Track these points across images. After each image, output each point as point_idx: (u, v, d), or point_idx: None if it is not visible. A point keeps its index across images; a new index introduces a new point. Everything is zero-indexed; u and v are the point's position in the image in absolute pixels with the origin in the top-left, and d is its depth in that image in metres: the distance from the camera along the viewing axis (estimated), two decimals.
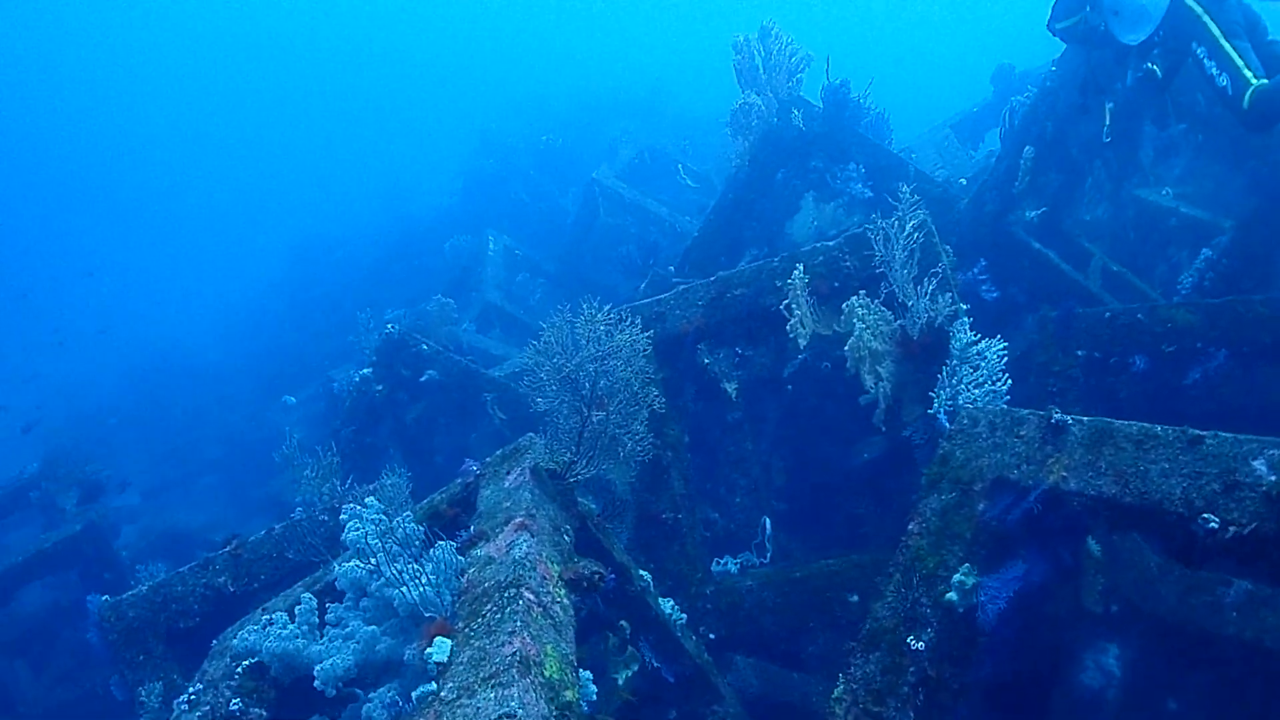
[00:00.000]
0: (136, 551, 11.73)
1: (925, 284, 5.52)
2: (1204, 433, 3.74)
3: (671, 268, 9.04)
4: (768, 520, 6.98)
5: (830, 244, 6.13)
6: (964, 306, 5.71)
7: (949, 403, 5.40)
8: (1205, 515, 3.51)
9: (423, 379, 8.37)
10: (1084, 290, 7.45)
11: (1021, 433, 4.21)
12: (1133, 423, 3.94)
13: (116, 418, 18.91)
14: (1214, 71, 5.88)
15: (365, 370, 8.24)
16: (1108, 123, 6.89)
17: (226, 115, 64.21)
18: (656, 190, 14.07)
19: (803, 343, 5.98)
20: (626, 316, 5.13)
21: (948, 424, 5.21)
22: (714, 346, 6.61)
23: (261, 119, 63.70)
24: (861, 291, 5.81)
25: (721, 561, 6.61)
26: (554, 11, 62.42)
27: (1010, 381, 5.40)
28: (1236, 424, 3.77)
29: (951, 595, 3.92)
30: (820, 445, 7.60)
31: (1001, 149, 7.98)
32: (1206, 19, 5.95)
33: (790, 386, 7.69)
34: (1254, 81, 5.67)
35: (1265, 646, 4.71)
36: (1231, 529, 3.45)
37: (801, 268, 5.98)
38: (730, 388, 7.10)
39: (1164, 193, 8.97)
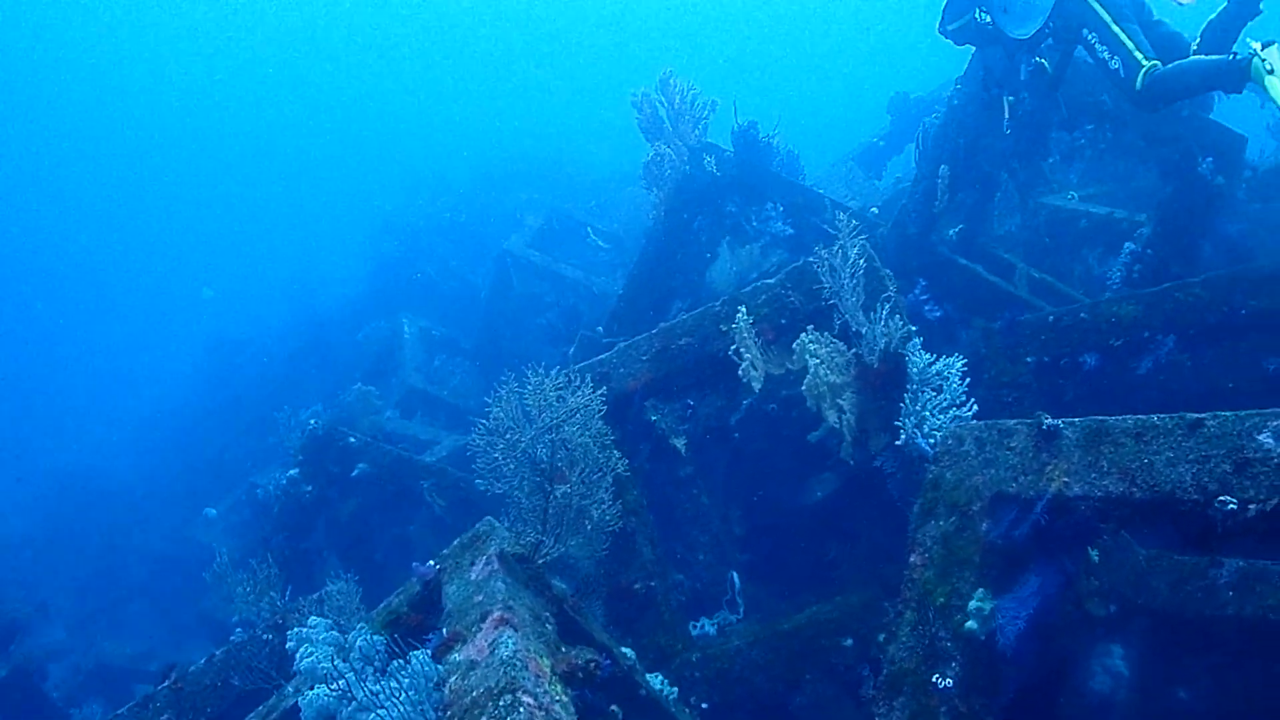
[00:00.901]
0: (69, 691, 10.94)
1: (878, 310, 5.38)
2: (1203, 415, 3.62)
3: (600, 328, 8.82)
4: (734, 575, 6.74)
5: (771, 281, 5.99)
6: (913, 328, 5.60)
7: (915, 428, 5.24)
8: (1222, 498, 3.39)
9: (354, 474, 7.94)
10: (1016, 299, 7.44)
11: (1012, 444, 4.05)
12: (1127, 417, 3.81)
13: (31, 550, 17.82)
14: (1105, 55, 6.02)
15: (292, 471, 7.78)
16: (1007, 116, 6.94)
17: (123, 216, 62.00)
18: (567, 255, 13.92)
19: (757, 386, 5.78)
20: (576, 378, 4.87)
21: (926, 447, 5.06)
22: (664, 400, 6.38)
23: (156, 218, 61.64)
24: (810, 326, 5.65)
25: (698, 624, 6.30)
26: (447, 85, 62.35)
27: (974, 402, 5.26)
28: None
29: (971, 624, 3.70)
30: (772, 489, 7.42)
31: (917, 171, 8.00)
32: (1096, 5, 6.06)
33: (737, 434, 7.51)
34: (1145, 63, 5.83)
35: (1266, 620, 4.59)
36: (1252, 507, 3.34)
37: (744, 310, 5.81)
38: (679, 443, 6.88)
39: (1070, 196, 9.14)
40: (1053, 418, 3.96)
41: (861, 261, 5.43)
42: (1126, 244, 7.11)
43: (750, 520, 7.47)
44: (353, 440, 7.98)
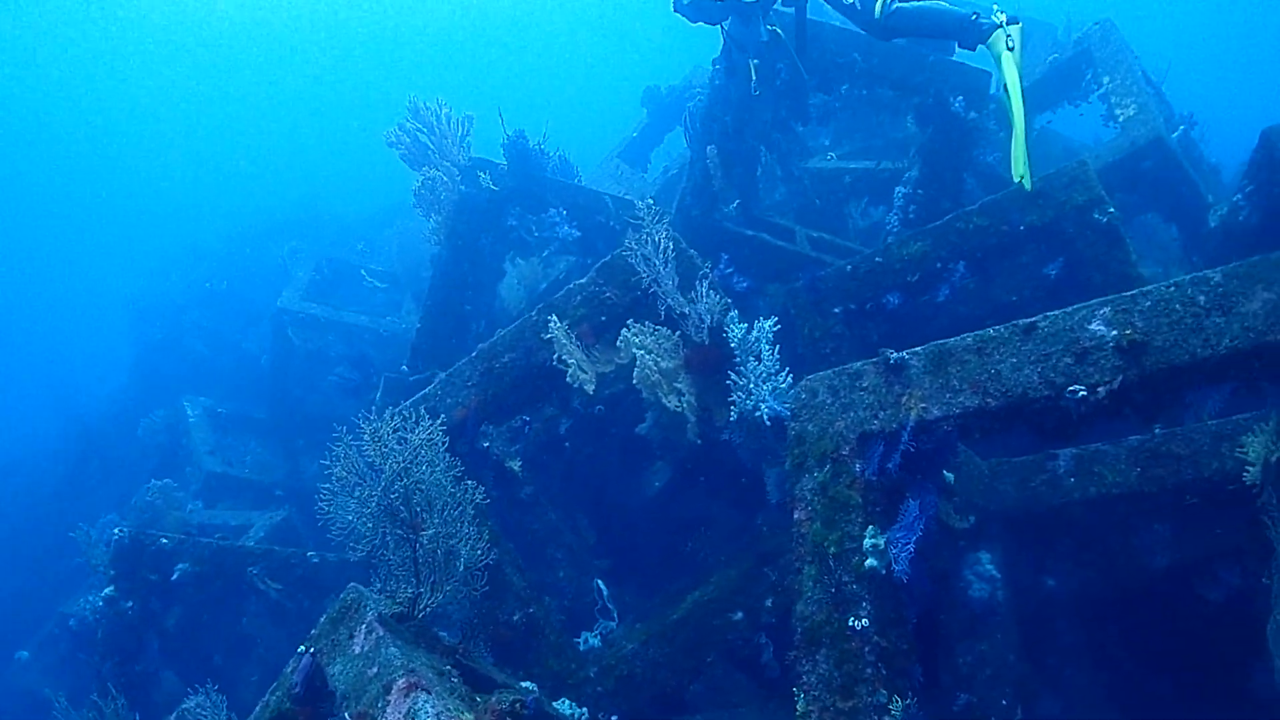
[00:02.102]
0: None
1: (697, 288, 5.42)
2: (1034, 318, 3.85)
3: (404, 367, 8.49)
4: (599, 582, 6.67)
5: (584, 280, 5.92)
6: (729, 300, 5.69)
7: (747, 396, 5.30)
8: (1072, 388, 3.60)
9: (174, 577, 7.24)
10: (806, 258, 7.71)
11: (864, 384, 4.16)
12: (965, 335, 3.99)
13: None
14: None
15: (106, 590, 7.00)
16: (754, 80, 7.10)
17: None
18: (345, 301, 13.35)
19: (590, 388, 5.70)
20: (411, 415, 4.64)
21: (766, 410, 5.14)
22: (498, 422, 6.21)
23: None
24: (630, 320, 5.64)
25: (581, 640, 6.17)
26: (183, 148, 58.08)
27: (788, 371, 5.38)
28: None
29: (871, 562, 3.77)
30: (611, 490, 7.41)
31: (690, 154, 8.15)
32: None
33: (568, 444, 7.44)
34: None
35: (1108, 495, 4.99)
36: (1101, 389, 3.57)
37: (555, 318, 5.72)
38: (515, 464, 6.74)
39: (829, 157, 9.61)
40: (896, 351, 4.10)
41: (671, 245, 5.46)
42: (898, 189, 7.50)
43: (599, 526, 7.41)
44: (165, 541, 7.29)
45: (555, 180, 8.40)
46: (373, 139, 9.23)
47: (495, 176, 8.16)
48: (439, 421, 4.65)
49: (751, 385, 5.27)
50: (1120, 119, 7.45)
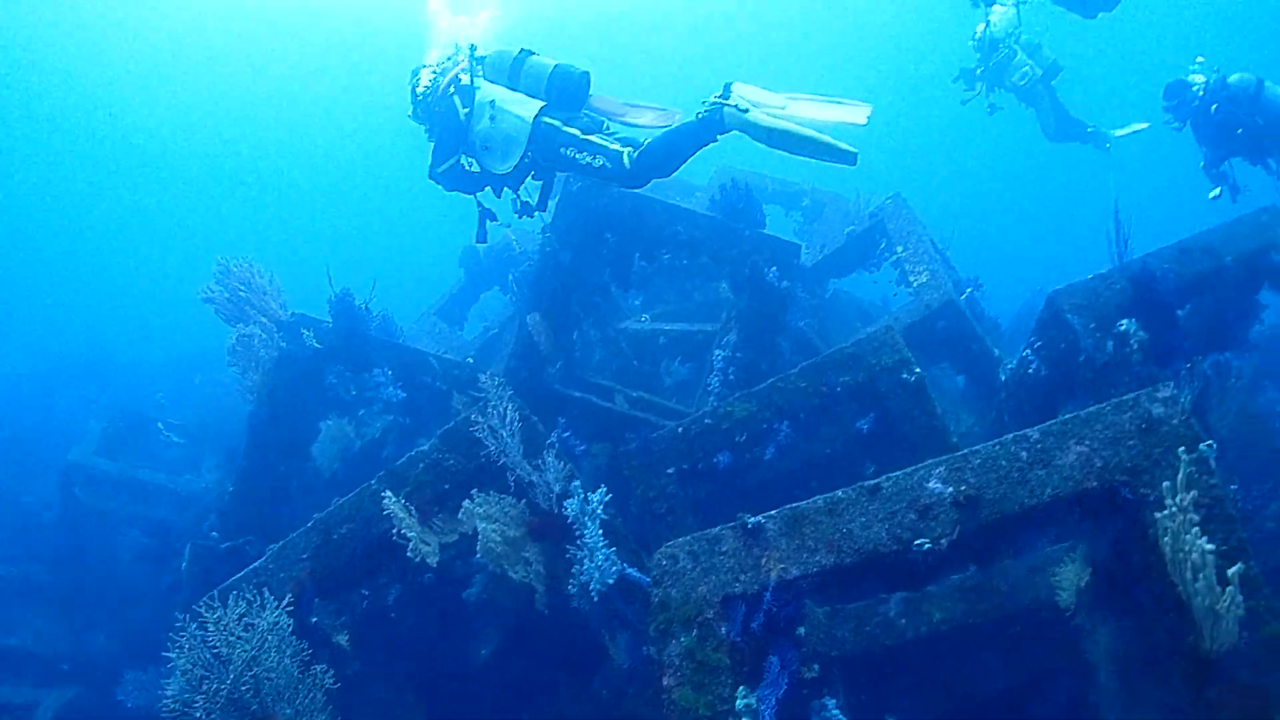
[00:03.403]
0: None
1: (544, 456, 5.47)
2: (878, 480, 4.13)
3: (214, 533, 7.99)
4: None
5: (426, 448, 5.86)
6: (571, 465, 5.77)
7: (595, 566, 5.33)
8: (918, 542, 3.87)
9: None
10: (630, 418, 7.93)
11: (724, 549, 4.29)
12: (817, 498, 4.22)
13: None
14: (588, 160, 6.56)
15: None
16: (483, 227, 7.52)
17: None
18: (140, 456, 12.42)
19: (433, 560, 5.57)
20: (255, 598, 4.41)
21: (606, 582, 5.19)
22: (335, 596, 5.93)
23: None
24: (474, 490, 5.60)
25: None
26: None
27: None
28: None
29: None
30: (441, 660, 7.14)
31: (517, 316, 8.31)
32: (564, 127, 6.66)
33: (393, 614, 7.16)
34: (624, 149, 6.46)
35: (938, 631, 5.26)
36: (943, 540, 3.86)
37: (391, 493, 5.61)
38: (342, 639, 6.42)
39: (644, 319, 10.01)
40: (752, 516, 4.27)
41: (518, 416, 5.52)
42: (717, 351, 7.87)
43: (429, 698, 7.10)
44: None
45: (381, 339, 8.34)
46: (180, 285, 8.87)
47: (319, 334, 8.02)
48: (285, 603, 4.41)
49: (587, 556, 5.33)
50: (914, 284, 8.21)
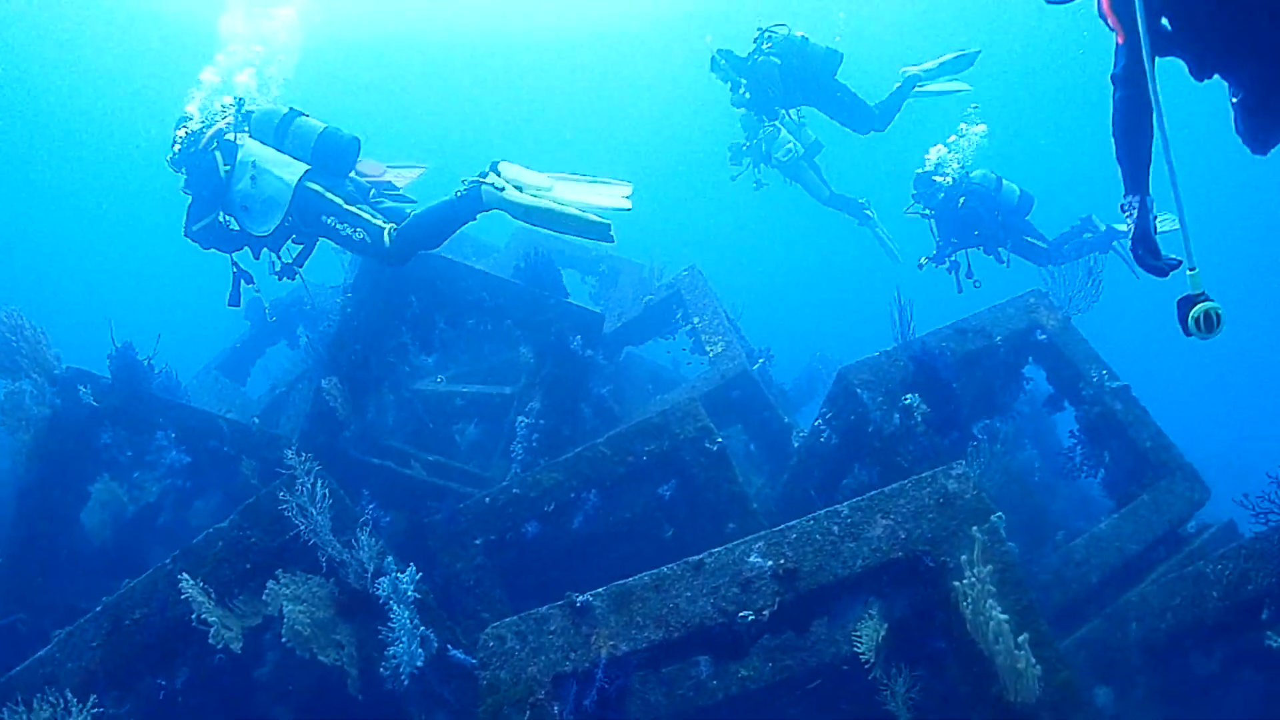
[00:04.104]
0: None
1: (356, 534, 5.32)
2: (701, 556, 4.30)
3: None
4: None
5: (225, 525, 5.54)
6: (384, 544, 5.63)
7: (405, 649, 5.22)
8: (742, 613, 4.06)
9: None
10: (430, 487, 7.82)
11: (552, 628, 4.31)
12: (643, 575, 4.34)
13: None
14: (349, 232, 6.44)
15: None
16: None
17: None
18: None
19: (236, 646, 5.25)
20: (59, 700, 4.04)
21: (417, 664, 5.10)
22: (128, 686, 5.46)
23: None
24: (279, 569, 5.36)
25: None
26: None
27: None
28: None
29: None
30: None
31: (314, 381, 8.01)
32: (328, 194, 6.53)
33: (181, 698, 6.67)
34: (386, 225, 6.36)
35: (747, 691, 5.40)
36: (766, 611, 4.07)
37: (188, 576, 5.27)
38: None
39: (439, 380, 9.91)
40: (579, 595, 4.33)
41: (326, 492, 5.34)
42: (519, 418, 7.86)
43: None
44: None
45: (164, 399, 7.81)
46: None
47: (97, 391, 7.41)
48: (90, 705, 4.04)
49: (400, 636, 5.21)
50: (711, 354, 8.57)
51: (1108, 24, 3.54)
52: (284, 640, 5.22)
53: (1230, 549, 5.09)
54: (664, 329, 9.74)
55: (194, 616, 5.16)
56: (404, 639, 5.16)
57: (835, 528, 4.26)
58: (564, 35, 39.70)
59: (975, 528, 3.96)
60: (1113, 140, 3.72)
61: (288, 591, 5.22)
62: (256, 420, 9.56)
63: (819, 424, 6.87)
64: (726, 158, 11.46)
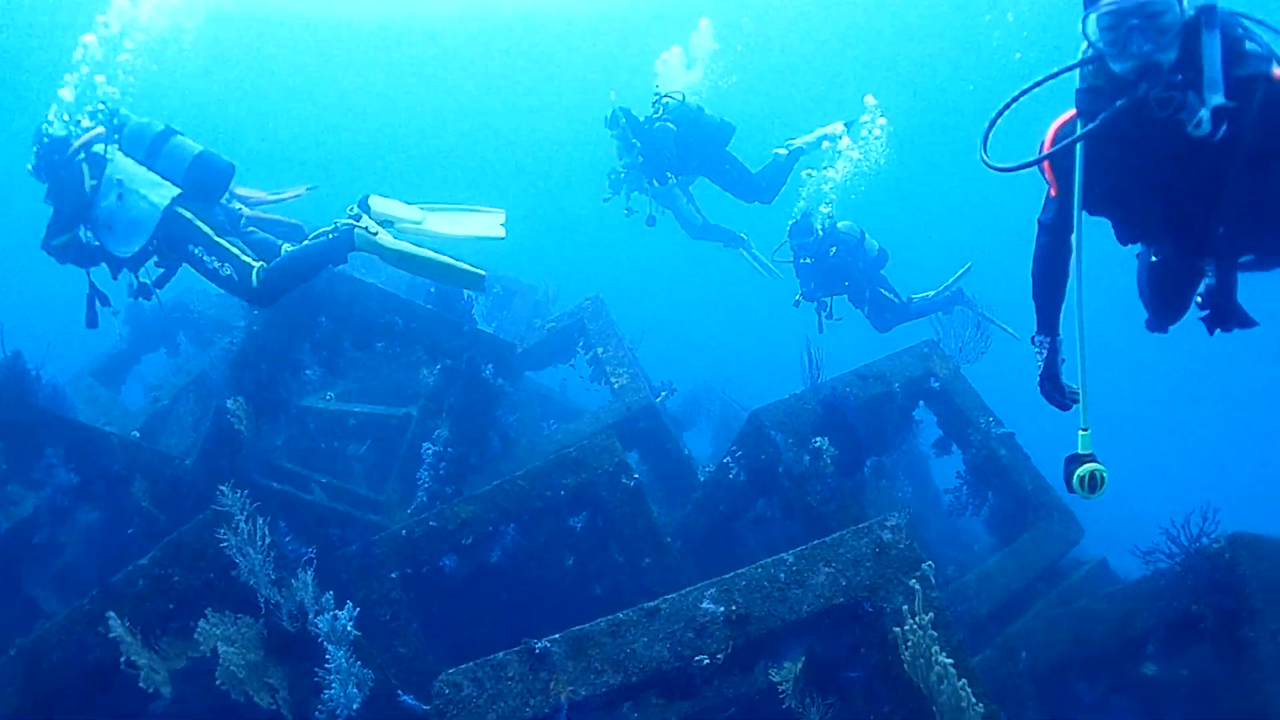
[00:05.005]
0: None
1: (295, 571, 5.27)
2: (656, 601, 4.51)
3: None
4: None
5: (144, 562, 5.40)
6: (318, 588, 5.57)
7: (341, 692, 5.21)
8: (698, 658, 4.31)
9: None
10: (331, 512, 7.74)
11: (510, 674, 4.41)
12: (600, 620, 4.51)
13: None
14: (216, 266, 6.33)
15: None
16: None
17: None
18: None
19: (166, 690, 5.12)
20: None
21: (356, 706, 5.10)
22: None
23: None
24: (208, 610, 5.26)
25: None
26: None
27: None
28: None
29: None
30: None
31: (216, 401, 7.79)
32: (197, 222, 6.39)
33: None
34: (255, 264, 6.30)
35: None
36: (720, 654, 4.34)
37: (114, 614, 5.12)
38: None
39: (328, 397, 9.73)
40: (537, 640, 4.46)
41: (262, 528, 5.28)
42: (426, 445, 7.86)
43: None
44: None
45: (53, 413, 7.45)
46: None
47: None
48: None
49: (336, 678, 5.20)
50: (615, 385, 8.77)
51: (1044, 178, 3.85)
52: (218, 683, 5.11)
53: (1116, 590, 5.67)
54: (563, 355, 9.89)
55: (123, 660, 5.01)
56: (339, 681, 5.15)
57: (781, 574, 4.54)
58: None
59: (914, 580, 4.32)
60: (1031, 280, 4.05)
61: (220, 631, 5.13)
62: (137, 434, 9.19)
63: (728, 461, 7.18)
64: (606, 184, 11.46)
